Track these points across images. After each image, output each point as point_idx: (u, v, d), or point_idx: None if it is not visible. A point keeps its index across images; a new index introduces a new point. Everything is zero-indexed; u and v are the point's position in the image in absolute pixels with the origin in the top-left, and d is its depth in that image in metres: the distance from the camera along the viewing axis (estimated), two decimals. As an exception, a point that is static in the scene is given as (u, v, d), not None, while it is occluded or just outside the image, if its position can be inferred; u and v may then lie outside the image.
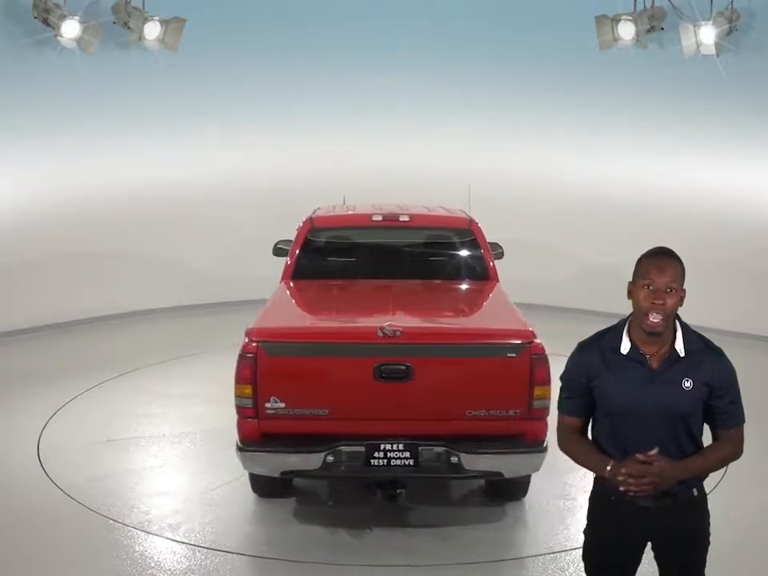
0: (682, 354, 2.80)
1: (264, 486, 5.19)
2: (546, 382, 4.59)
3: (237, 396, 4.67)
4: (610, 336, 2.89)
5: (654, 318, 2.72)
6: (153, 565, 4.57)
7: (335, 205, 7.20)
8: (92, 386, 7.59)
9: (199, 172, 10.60)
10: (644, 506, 2.80)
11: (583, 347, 2.95)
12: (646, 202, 10.37)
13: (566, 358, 2.99)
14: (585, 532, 3.06)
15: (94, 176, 9.88)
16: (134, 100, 10.01)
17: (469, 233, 6.41)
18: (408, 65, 10.83)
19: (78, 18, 8.81)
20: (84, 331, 9.74)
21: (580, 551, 3.11)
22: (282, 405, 4.60)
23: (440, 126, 11.12)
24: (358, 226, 6.55)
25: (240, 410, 4.70)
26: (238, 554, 4.71)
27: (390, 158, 10.91)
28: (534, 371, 4.54)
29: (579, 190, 10.77)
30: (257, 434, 4.68)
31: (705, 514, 2.94)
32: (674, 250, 2.84)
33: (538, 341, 4.67)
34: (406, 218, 6.41)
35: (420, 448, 4.56)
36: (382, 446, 4.55)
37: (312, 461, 4.57)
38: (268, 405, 4.60)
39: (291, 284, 6.05)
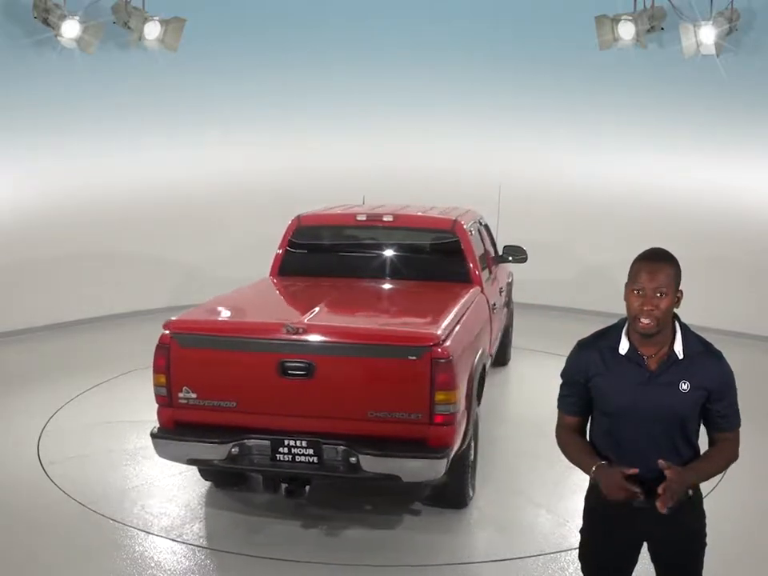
0: (681, 356, 2.79)
1: (212, 475, 5.25)
2: (451, 387, 4.49)
3: (154, 385, 4.84)
4: (609, 336, 2.89)
5: (644, 321, 2.71)
6: (153, 565, 4.57)
7: (344, 204, 7.22)
8: (92, 386, 7.60)
9: (199, 172, 10.61)
10: (640, 506, 2.79)
11: (582, 346, 2.95)
12: (646, 202, 10.37)
13: (565, 358, 3.00)
14: (581, 532, 3.07)
15: (94, 176, 9.89)
16: (134, 100, 10.02)
17: (451, 235, 6.35)
18: (408, 65, 10.84)
19: (78, 17, 8.81)
20: (84, 331, 9.74)
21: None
22: (194, 395, 4.75)
23: (440, 126, 11.13)
24: (342, 225, 6.65)
25: (157, 398, 4.86)
26: (236, 554, 4.71)
27: (390, 157, 10.92)
28: (435, 375, 4.44)
29: (579, 190, 10.78)
30: (171, 422, 4.84)
31: (701, 515, 2.94)
32: (674, 249, 2.83)
33: (447, 345, 4.56)
34: (390, 218, 6.46)
35: (323, 446, 4.57)
36: (287, 442, 4.60)
37: (217, 451, 4.67)
38: (181, 394, 4.76)
39: (264, 279, 6.29)
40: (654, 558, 2.98)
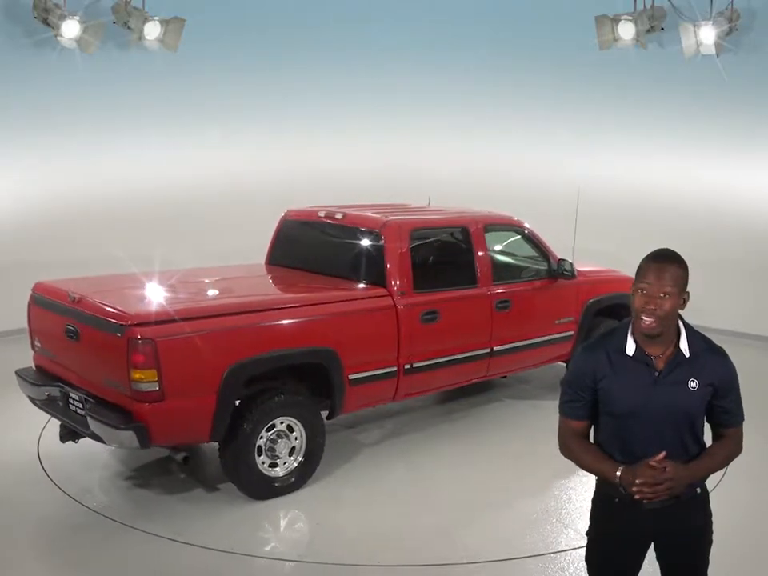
0: (687, 355, 2.80)
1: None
2: (145, 366, 4.81)
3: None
4: (614, 338, 2.87)
5: (646, 320, 2.71)
6: (152, 565, 4.57)
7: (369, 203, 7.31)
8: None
9: (199, 172, 10.59)
10: (649, 507, 2.79)
11: (588, 349, 2.94)
12: (646, 202, 10.37)
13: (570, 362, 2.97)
14: (588, 534, 3.06)
15: (94, 176, 9.89)
16: (134, 100, 10.01)
17: (377, 236, 6.20)
18: (409, 65, 10.84)
19: (78, 17, 8.82)
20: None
21: (580, 551, 3.11)
22: (39, 345, 5.81)
23: (440, 126, 11.13)
24: (310, 220, 6.94)
25: (30, 345, 5.90)
26: (242, 555, 4.72)
27: (390, 157, 10.91)
28: (130, 354, 4.81)
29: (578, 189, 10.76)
30: (36, 366, 5.87)
31: (708, 513, 2.94)
32: (675, 250, 2.82)
33: (149, 327, 4.83)
34: (340, 216, 6.62)
35: (87, 403, 5.14)
36: (71, 394, 5.34)
37: (39, 393, 5.57)
38: (36, 343, 5.84)
39: (232, 266, 7.04)
40: (660, 557, 2.98)
